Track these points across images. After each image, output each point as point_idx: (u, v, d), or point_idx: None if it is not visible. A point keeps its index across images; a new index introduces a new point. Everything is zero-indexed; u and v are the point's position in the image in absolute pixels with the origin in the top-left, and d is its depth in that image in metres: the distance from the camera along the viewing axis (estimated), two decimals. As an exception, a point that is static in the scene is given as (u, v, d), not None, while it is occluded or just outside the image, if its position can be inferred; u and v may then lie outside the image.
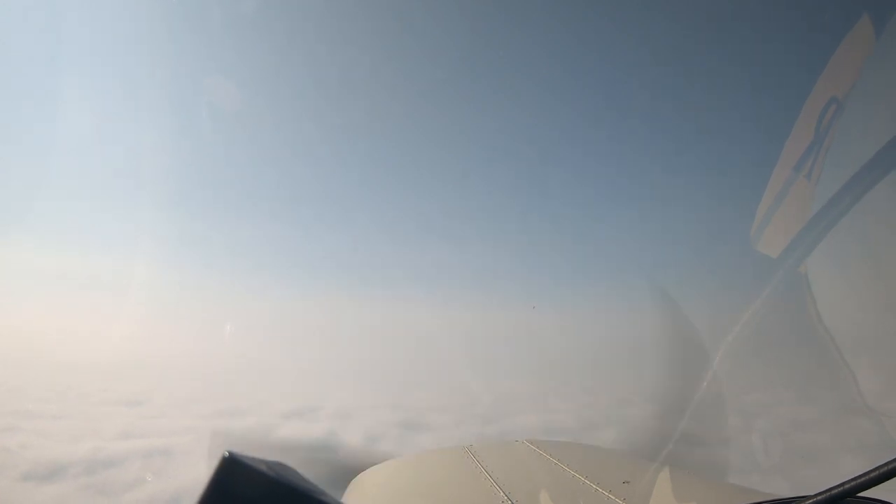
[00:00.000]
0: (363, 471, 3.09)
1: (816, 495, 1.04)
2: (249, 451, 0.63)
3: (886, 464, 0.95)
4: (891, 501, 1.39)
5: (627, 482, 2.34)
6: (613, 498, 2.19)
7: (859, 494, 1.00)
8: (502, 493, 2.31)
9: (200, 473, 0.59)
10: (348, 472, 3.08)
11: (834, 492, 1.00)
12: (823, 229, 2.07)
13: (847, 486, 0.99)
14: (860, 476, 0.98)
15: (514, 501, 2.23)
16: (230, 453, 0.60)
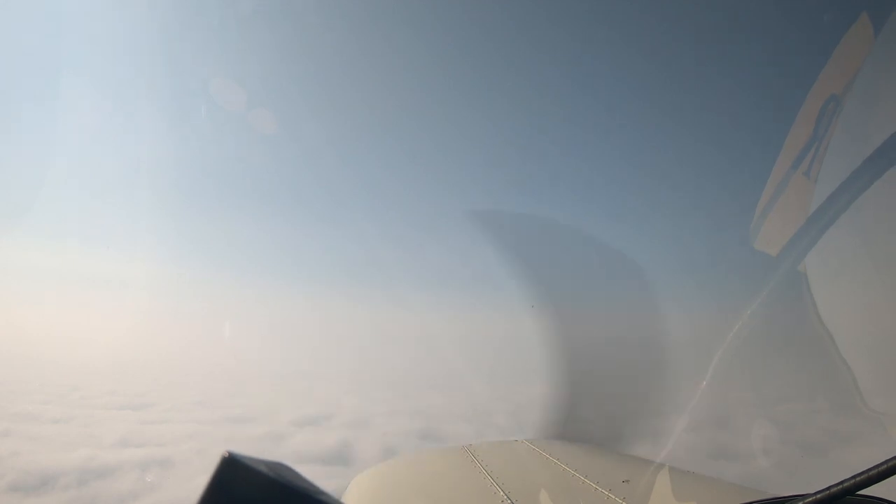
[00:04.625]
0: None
1: (816, 493, 1.04)
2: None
3: (885, 462, 0.95)
4: (891, 500, 1.39)
5: (627, 481, 2.34)
6: (613, 497, 2.19)
7: (859, 492, 1.00)
8: (502, 493, 2.30)
9: (199, 485, 0.59)
10: None
11: (833, 490, 1.01)
12: (823, 227, 2.07)
13: (847, 484, 0.99)
14: (860, 474, 0.98)
15: (513, 501, 2.22)
16: (230, 453, 0.60)
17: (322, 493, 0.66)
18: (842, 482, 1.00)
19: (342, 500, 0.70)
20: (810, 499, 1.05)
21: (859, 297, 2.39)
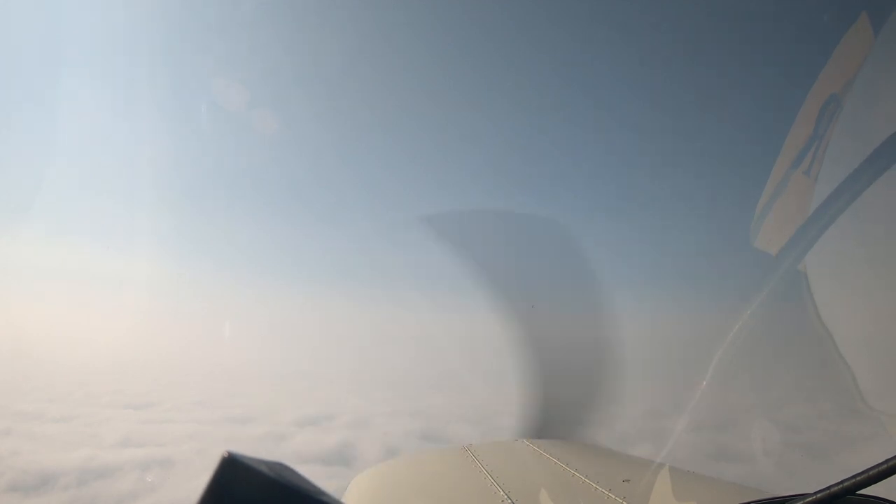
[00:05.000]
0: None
1: (816, 493, 1.04)
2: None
3: (886, 462, 0.95)
4: (891, 500, 1.39)
5: (627, 481, 2.34)
6: (613, 497, 2.19)
7: (859, 492, 1.00)
8: (502, 493, 2.30)
9: (199, 485, 0.59)
10: None
11: (834, 489, 1.01)
12: (823, 227, 2.07)
13: (847, 483, 0.99)
14: (860, 474, 0.98)
15: (514, 500, 2.22)
16: (230, 453, 0.60)
17: (322, 493, 0.66)
18: (842, 482, 1.00)
19: (342, 500, 0.70)
20: (810, 499, 1.05)
21: (859, 296, 2.38)
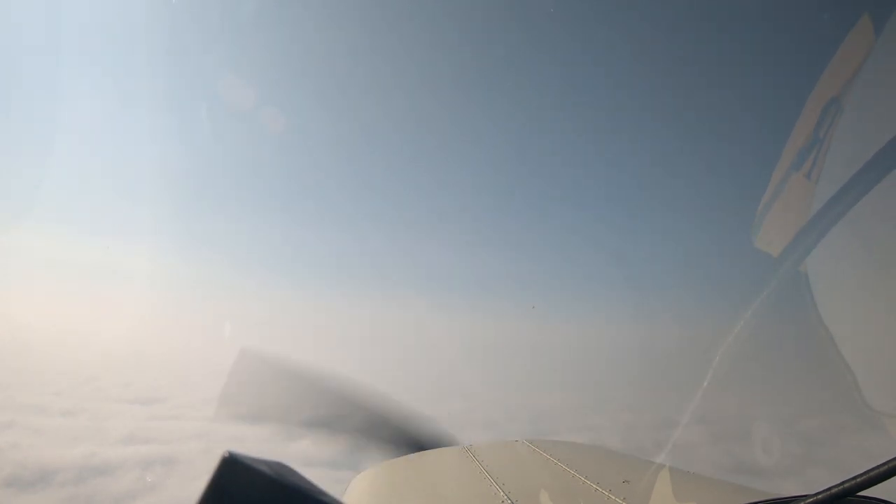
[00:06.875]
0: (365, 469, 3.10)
1: (816, 494, 1.05)
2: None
3: (886, 462, 0.95)
4: (891, 501, 1.39)
5: (627, 482, 2.34)
6: (613, 497, 2.19)
7: (859, 493, 1.00)
8: (502, 493, 2.31)
9: (201, 485, 0.59)
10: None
11: (834, 491, 1.01)
12: (824, 228, 2.07)
13: (847, 484, 0.99)
14: (860, 475, 0.98)
15: (513, 501, 2.23)
16: (230, 453, 0.60)
17: (323, 493, 0.66)
18: (842, 483, 1.00)
19: (342, 499, 0.71)
20: (811, 499, 1.05)
21: (860, 298, 2.38)
